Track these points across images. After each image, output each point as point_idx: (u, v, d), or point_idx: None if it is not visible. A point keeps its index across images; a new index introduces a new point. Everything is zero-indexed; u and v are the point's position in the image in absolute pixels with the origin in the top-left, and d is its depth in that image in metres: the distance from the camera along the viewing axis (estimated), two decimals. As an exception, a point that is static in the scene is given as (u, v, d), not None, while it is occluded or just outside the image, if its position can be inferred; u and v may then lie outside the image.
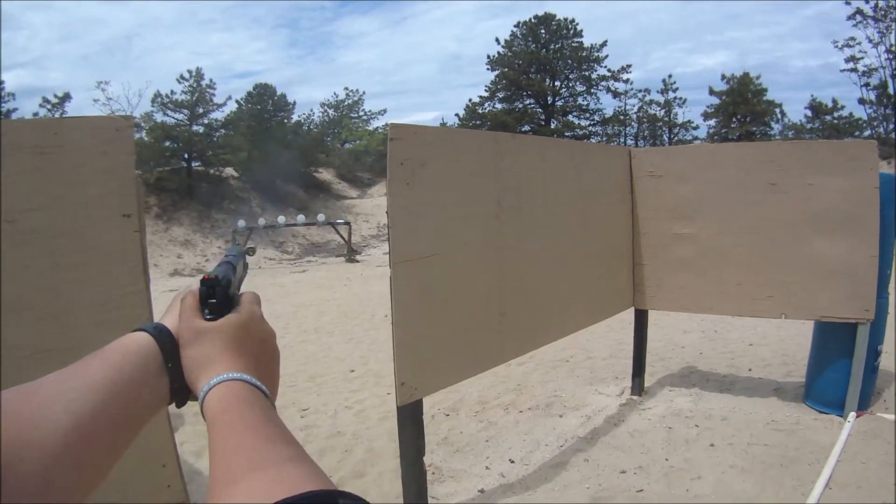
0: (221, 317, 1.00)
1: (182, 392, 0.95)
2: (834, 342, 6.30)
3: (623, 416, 6.59)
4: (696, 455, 5.51)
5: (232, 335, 0.97)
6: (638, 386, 7.25)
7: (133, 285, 2.88)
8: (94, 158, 2.78)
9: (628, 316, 7.42)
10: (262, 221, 28.88)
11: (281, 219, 29.08)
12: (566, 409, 6.90)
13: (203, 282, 1.03)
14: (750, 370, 8.01)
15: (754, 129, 46.30)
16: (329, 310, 14.58)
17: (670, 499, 4.79)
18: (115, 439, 0.83)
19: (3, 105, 35.15)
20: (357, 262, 27.05)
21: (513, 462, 5.68)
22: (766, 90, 47.18)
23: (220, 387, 0.88)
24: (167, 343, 0.94)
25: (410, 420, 4.33)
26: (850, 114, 43.90)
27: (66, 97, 36.43)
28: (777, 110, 47.14)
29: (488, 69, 53.50)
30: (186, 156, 35.82)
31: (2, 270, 2.59)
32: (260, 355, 0.99)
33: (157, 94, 37.36)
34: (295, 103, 45.68)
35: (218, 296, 1.02)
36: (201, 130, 37.82)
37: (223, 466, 0.74)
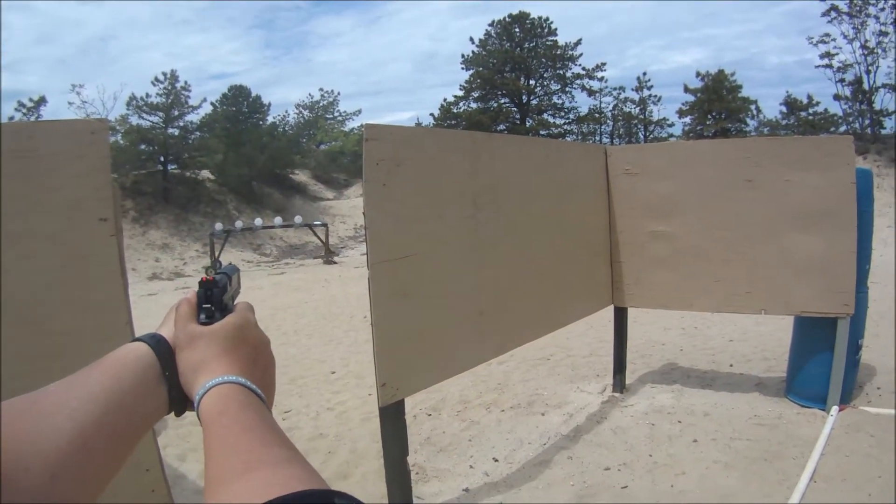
0: (216, 321, 1.00)
1: (180, 401, 0.95)
2: (814, 337, 6.34)
3: (605, 413, 6.61)
4: (680, 451, 5.53)
5: (227, 339, 0.98)
6: (619, 383, 7.28)
7: (110, 289, 2.87)
8: (70, 162, 2.77)
9: (607, 314, 7.45)
10: (239, 224, 28.77)
11: (258, 221, 29.02)
12: (548, 408, 6.92)
13: (201, 283, 1.04)
14: (731, 366, 8.06)
15: (729, 125, 46.39)
16: (308, 312, 14.57)
17: (655, 495, 4.81)
18: (116, 449, 0.83)
19: (-22, 109, 35.01)
20: (335, 263, 27.04)
21: (497, 461, 5.69)
22: (741, 87, 47.27)
23: (216, 389, 0.88)
24: (164, 352, 0.95)
25: (393, 420, 4.33)
26: (826, 110, 43.99)
27: (42, 101, 36.22)
28: (752, 107, 47.27)
29: (463, 68, 53.42)
30: (162, 159, 35.65)
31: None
32: (255, 359, 1.00)
33: (133, 97, 37.20)
34: (270, 105, 45.69)
35: (214, 299, 1.03)
36: (177, 133, 37.66)
37: (219, 467, 0.74)
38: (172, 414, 0.96)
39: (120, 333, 2.81)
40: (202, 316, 1.01)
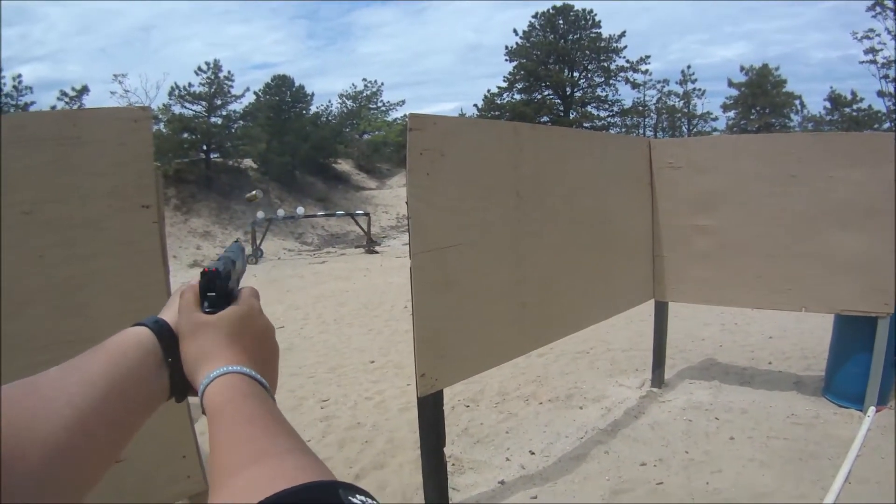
0: (220, 310, 1.01)
1: (181, 386, 0.96)
2: (854, 336, 6.27)
3: (643, 408, 6.59)
4: (716, 448, 5.51)
5: (231, 328, 0.98)
6: (658, 378, 7.24)
7: (152, 276, 2.89)
8: (113, 149, 2.80)
9: (648, 308, 7.41)
10: (281, 213, 28.80)
11: (300, 210, 29.08)
12: (586, 401, 6.91)
13: (203, 274, 1.04)
14: (770, 363, 7.99)
15: (773, 120, 46.05)
16: (349, 301, 14.55)
17: (690, 492, 4.78)
18: (116, 433, 0.83)
19: (20, 98, 35.21)
20: (376, 252, 26.97)
21: (533, 454, 5.69)
22: (785, 82, 46.90)
23: (220, 380, 0.88)
24: (166, 337, 0.96)
25: (431, 411, 4.33)
26: (870, 106, 43.57)
27: (84, 90, 36.37)
28: (796, 102, 46.87)
29: (506, 60, 53.28)
30: (205, 147, 35.74)
31: (17, 262, 2.61)
32: (260, 349, 1.01)
33: (175, 87, 37.23)
34: (313, 94, 45.49)
35: (217, 289, 1.04)
36: (219, 122, 37.73)
37: (224, 458, 0.74)
38: (174, 400, 0.96)
39: None
40: (206, 305, 1.02)
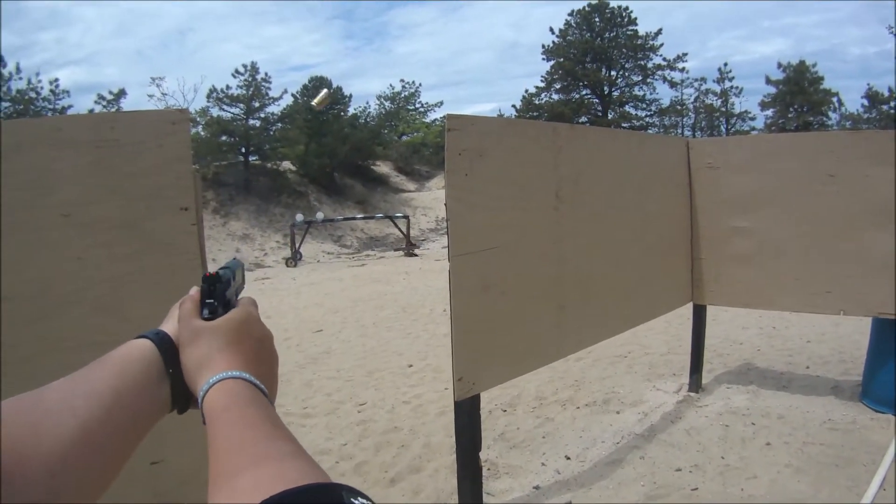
0: (219, 317, 1.02)
1: (183, 398, 0.97)
2: (892, 340, 6.18)
3: (680, 412, 6.54)
4: (752, 454, 5.45)
5: (230, 334, 0.99)
6: (695, 382, 7.18)
7: (190, 277, 2.89)
8: (151, 152, 2.80)
9: (685, 311, 7.35)
10: (320, 215, 28.95)
11: (319, 215, 29.16)
12: (623, 406, 6.87)
13: (205, 279, 1.05)
14: (807, 368, 7.89)
15: (811, 119, 45.72)
16: (388, 304, 14.60)
17: (725, 498, 4.74)
18: (119, 445, 0.84)
19: (58, 102, 35.58)
20: (416, 255, 27.04)
21: (569, 459, 5.66)
22: (822, 79, 46.60)
23: (220, 385, 0.89)
24: (168, 349, 0.97)
25: (467, 415, 4.32)
26: (908, 103, 43.16)
27: (122, 93, 36.65)
28: (834, 99, 46.50)
29: (544, 59, 53.25)
30: (243, 150, 35.97)
31: (55, 263, 2.64)
32: (259, 355, 1.01)
33: (213, 89, 37.55)
34: (351, 96, 45.85)
35: (217, 294, 1.05)
36: (258, 124, 37.94)
37: (223, 463, 0.74)
38: (176, 412, 0.97)
39: None
40: (205, 311, 1.03)
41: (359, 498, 0.63)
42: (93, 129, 2.73)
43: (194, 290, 1.06)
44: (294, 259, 25.75)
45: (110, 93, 36.44)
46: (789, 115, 46.62)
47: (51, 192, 2.61)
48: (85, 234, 2.68)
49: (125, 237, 2.76)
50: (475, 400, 4.32)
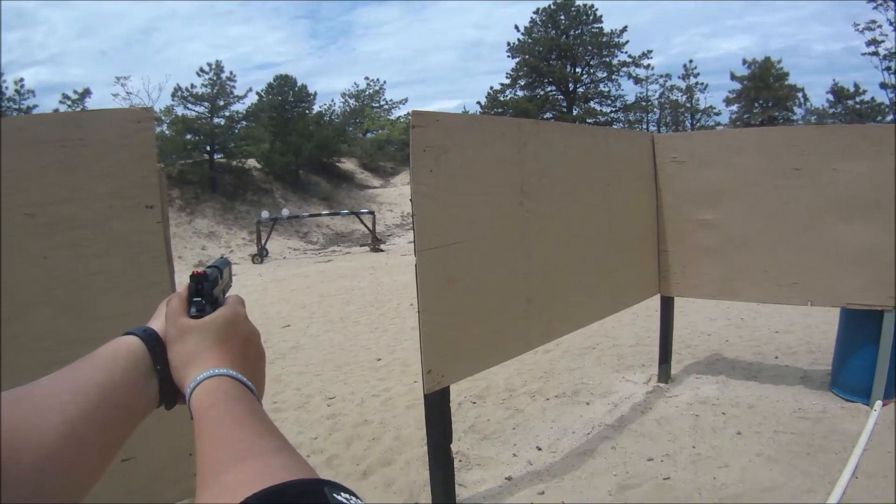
0: (207, 315, 1.02)
1: (171, 394, 0.97)
2: (860, 329, 6.25)
3: (650, 403, 6.58)
4: (723, 443, 5.50)
5: (218, 332, 0.99)
6: (664, 373, 7.23)
7: (156, 276, 2.89)
8: (116, 150, 2.80)
9: (653, 303, 7.41)
10: (285, 212, 28.94)
11: (284, 212, 29.13)
12: (593, 397, 6.90)
13: (193, 277, 1.06)
14: (776, 357, 7.96)
15: (777, 114, 46.11)
16: (355, 299, 14.62)
17: (697, 487, 4.78)
18: (106, 441, 0.84)
19: (23, 102, 35.29)
20: (382, 251, 27.05)
21: (540, 449, 5.68)
22: (787, 75, 47.01)
23: (207, 382, 0.89)
24: (155, 346, 0.97)
25: (437, 408, 4.33)
26: (873, 98, 43.60)
27: (87, 93, 36.49)
28: (799, 95, 46.92)
29: (509, 56, 53.36)
30: (209, 148, 35.80)
31: (20, 263, 2.62)
32: (246, 352, 1.02)
33: (178, 88, 37.38)
34: (316, 94, 45.72)
35: (205, 293, 1.05)
36: (222, 123, 37.80)
37: (211, 458, 0.75)
38: (163, 407, 0.97)
39: None
40: (193, 310, 1.03)
41: (342, 493, 0.64)
42: (57, 129, 2.72)
43: (182, 288, 1.06)
44: (260, 256, 25.69)
45: (75, 92, 36.33)
46: (754, 111, 47.01)
47: (15, 191, 2.59)
48: (50, 234, 2.67)
49: (91, 236, 2.75)
50: (445, 392, 4.33)
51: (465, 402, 6.93)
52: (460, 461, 5.44)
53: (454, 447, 4.60)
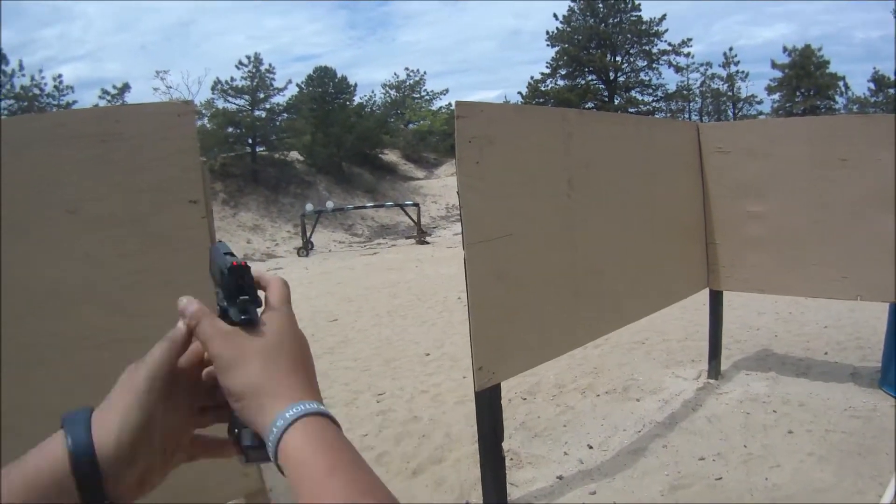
0: (254, 319, 0.86)
1: None
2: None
3: (700, 400, 6.51)
4: (775, 442, 5.42)
5: (282, 349, 0.85)
6: (714, 369, 7.14)
7: (202, 271, 2.87)
8: (157, 145, 2.79)
9: (702, 297, 7.29)
10: (329, 204, 28.98)
11: (329, 204, 29.15)
12: (643, 393, 6.85)
13: (232, 269, 0.88)
14: (826, 353, 7.84)
15: (818, 103, 45.59)
16: (401, 292, 14.64)
17: (749, 487, 4.70)
18: None
19: (62, 98, 35.69)
20: (427, 243, 27.05)
21: (591, 448, 5.63)
22: (828, 63, 46.47)
23: (299, 426, 0.76)
24: (87, 473, 0.74)
25: (488, 405, 4.30)
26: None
27: (126, 87, 36.89)
28: (840, 83, 46.34)
29: (548, 45, 53.10)
30: (250, 141, 36.04)
31: (63, 261, 2.63)
32: (309, 367, 0.88)
33: (217, 81, 37.74)
34: (356, 85, 45.70)
35: (247, 288, 0.89)
36: (264, 115, 38.02)
37: None
38: None
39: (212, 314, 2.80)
40: (240, 316, 0.86)
41: None
42: (97, 124, 2.70)
43: (194, 303, 0.90)
44: (306, 249, 25.82)
45: (114, 87, 36.77)
46: (796, 99, 46.52)
47: (56, 187, 2.59)
48: (92, 231, 2.66)
49: (134, 232, 2.74)
50: (496, 390, 4.30)
51: (516, 398, 6.88)
52: (511, 459, 5.40)
53: (505, 445, 4.57)
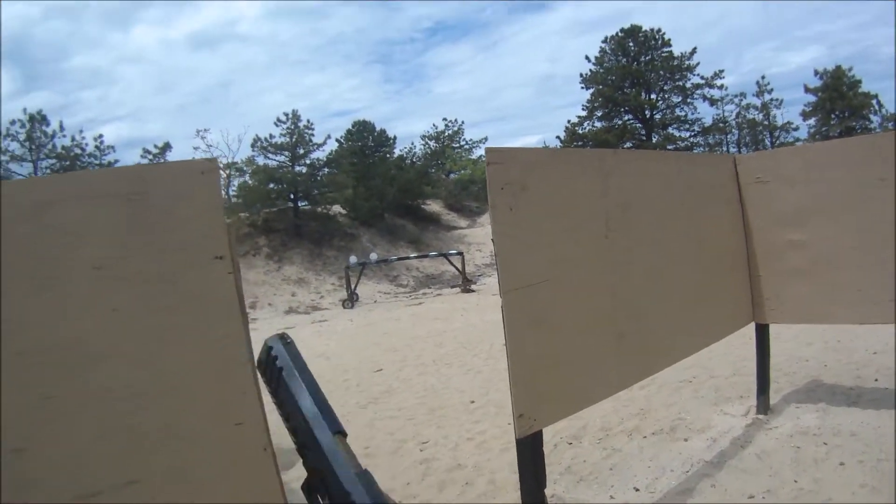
0: None
1: None
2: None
3: (749, 436, 6.39)
4: (826, 475, 5.30)
5: None
6: (763, 404, 7.02)
7: (230, 326, 2.89)
8: (182, 202, 2.82)
9: (748, 331, 7.18)
10: (373, 256, 29.15)
11: (373, 256, 29.28)
12: (691, 432, 6.74)
13: (305, 488, 0.83)
14: (876, 380, 7.68)
15: (854, 123, 45.27)
16: (447, 341, 14.61)
17: (799, 523, 4.61)
18: None
19: (104, 157, 36.41)
20: (473, 291, 27.05)
21: (637, 490, 5.56)
22: (860, 82, 46.15)
23: None
24: None
25: (530, 453, 4.26)
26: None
27: (167, 147, 37.59)
28: (874, 101, 46.02)
29: (583, 87, 53.16)
30: (292, 196, 36.33)
31: (89, 316, 2.64)
32: None
33: (257, 139, 38.11)
34: (395, 137, 46.00)
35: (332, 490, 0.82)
36: (304, 170, 38.36)
37: None
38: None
39: (240, 368, 2.86)
40: None
41: None
42: (122, 183, 2.75)
43: None
44: (351, 300, 25.91)
45: (155, 146, 37.45)
46: (832, 122, 46.25)
47: (82, 245, 2.62)
48: (119, 288, 2.68)
49: (161, 290, 2.76)
50: (537, 436, 4.26)
51: (561, 442, 6.81)
52: (556, 505, 5.33)
53: (549, 490, 4.53)
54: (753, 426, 6.67)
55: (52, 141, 35.20)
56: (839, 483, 5.12)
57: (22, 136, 34.31)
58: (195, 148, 39.32)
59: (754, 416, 6.95)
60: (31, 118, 34.41)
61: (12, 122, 34.06)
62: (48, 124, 34.91)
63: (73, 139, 35.90)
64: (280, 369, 0.91)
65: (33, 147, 34.56)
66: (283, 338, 0.98)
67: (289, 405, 0.89)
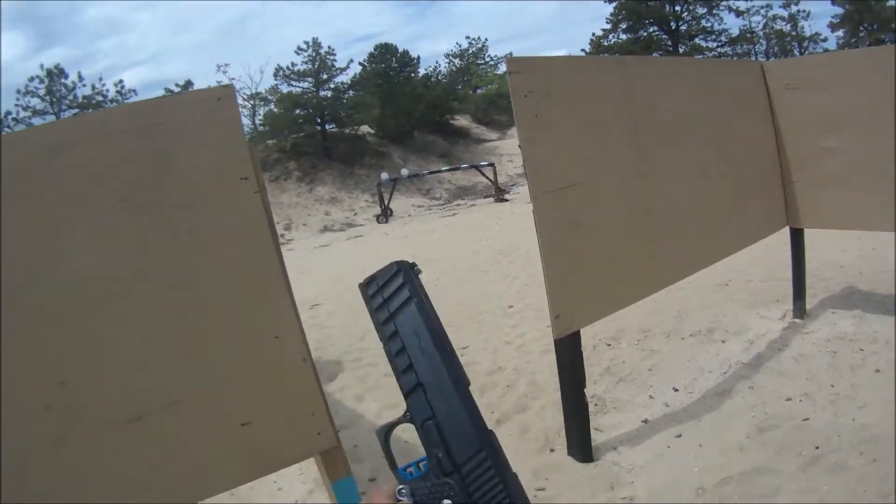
0: None
1: None
2: None
3: (786, 340, 6.41)
4: (862, 381, 5.30)
5: None
6: (799, 308, 7.01)
7: (260, 244, 2.95)
8: (201, 129, 2.88)
9: (783, 236, 7.17)
10: (405, 171, 28.95)
11: (404, 171, 29.14)
12: (728, 335, 6.78)
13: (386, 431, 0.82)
14: (911, 289, 7.65)
15: (883, 36, 44.30)
16: (483, 249, 14.63)
17: (836, 429, 4.62)
18: None
19: (126, 101, 36.31)
20: (506, 201, 26.88)
21: (676, 390, 5.62)
22: (888, -7, 45.07)
23: None
24: None
25: (568, 353, 4.33)
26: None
27: (188, 84, 37.21)
28: (901, 13, 44.96)
29: (606, 1, 52.33)
30: (319, 120, 36.13)
31: (120, 248, 2.72)
32: None
33: (279, 68, 37.68)
34: (419, 58, 45.35)
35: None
36: (329, 95, 38.09)
37: None
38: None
39: (273, 283, 2.94)
40: None
41: None
42: (139, 117, 2.79)
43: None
44: (385, 215, 25.97)
45: (177, 86, 37.15)
46: (860, 34, 45.28)
47: (105, 180, 2.69)
48: (145, 217, 2.75)
49: (186, 215, 2.82)
50: (575, 337, 4.32)
51: (600, 344, 6.90)
52: (596, 405, 5.42)
53: (590, 391, 4.60)
54: (790, 330, 6.69)
55: (74, 92, 35.08)
56: (875, 390, 5.12)
57: (42, 91, 34.32)
58: (218, 83, 38.98)
59: (790, 320, 6.96)
60: (49, 73, 34.27)
61: (31, 79, 34.01)
62: (66, 76, 34.85)
63: (93, 87, 35.79)
64: (409, 297, 0.91)
65: (54, 100, 34.54)
66: (414, 266, 0.94)
67: (411, 339, 0.90)
